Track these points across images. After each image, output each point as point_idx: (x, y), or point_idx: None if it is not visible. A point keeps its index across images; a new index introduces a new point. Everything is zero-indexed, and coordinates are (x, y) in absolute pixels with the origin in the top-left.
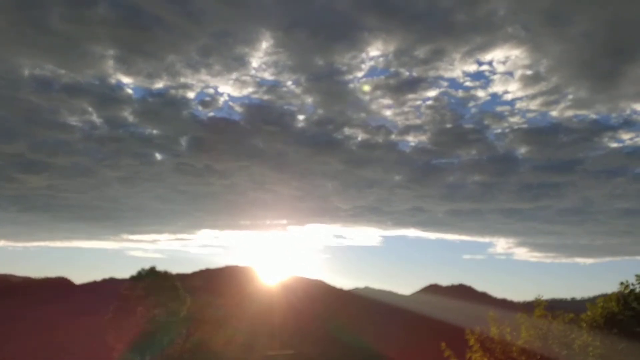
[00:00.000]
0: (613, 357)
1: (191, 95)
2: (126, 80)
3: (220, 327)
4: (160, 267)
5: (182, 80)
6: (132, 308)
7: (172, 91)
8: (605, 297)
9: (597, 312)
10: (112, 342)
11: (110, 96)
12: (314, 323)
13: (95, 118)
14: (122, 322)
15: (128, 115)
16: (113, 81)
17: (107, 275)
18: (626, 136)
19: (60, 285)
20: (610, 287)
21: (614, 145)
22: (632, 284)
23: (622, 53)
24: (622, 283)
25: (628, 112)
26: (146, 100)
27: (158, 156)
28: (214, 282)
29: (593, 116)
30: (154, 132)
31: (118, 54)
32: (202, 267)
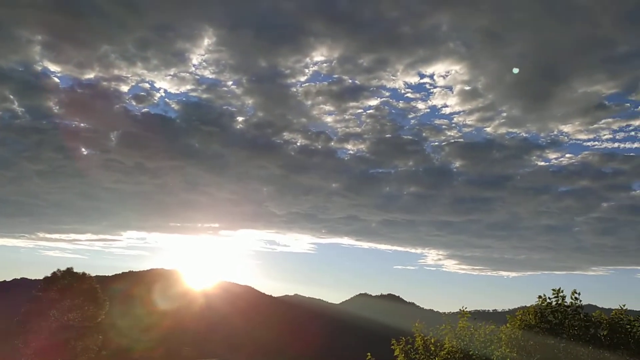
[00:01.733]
0: None
1: (125, 88)
2: (54, 68)
3: (141, 333)
4: (78, 268)
5: (116, 72)
6: (45, 311)
7: (104, 83)
8: (524, 310)
9: (516, 324)
10: (21, 347)
11: (34, 84)
12: (241, 329)
13: (16, 106)
14: (32, 326)
15: (53, 105)
16: (39, 68)
17: (18, 275)
18: (552, 155)
19: None
20: (530, 299)
21: (542, 163)
22: (549, 298)
23: (553, 75)
24: (540, 297)
25: (555, 132)
26: (74, 90)
27: (84, 151)
28: (137, 285)
29: (524, 134)
30: (82, 125)
31: (47, 40)
32: (125, 269)
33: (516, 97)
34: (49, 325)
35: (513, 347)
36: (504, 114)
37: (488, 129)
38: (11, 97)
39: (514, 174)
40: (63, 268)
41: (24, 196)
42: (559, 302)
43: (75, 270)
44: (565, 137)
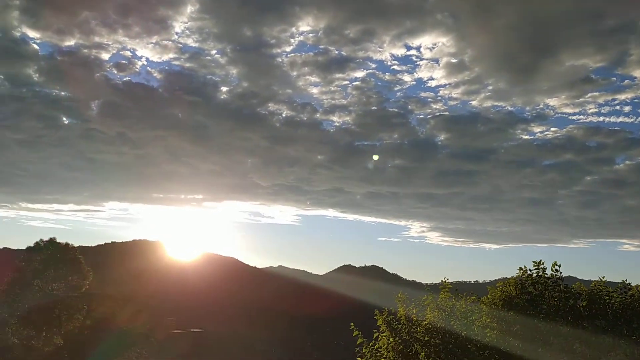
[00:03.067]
0: (508, 337)
1: (106, 56)
2: (32, 34)
3: (123, 303)
4: (61, 239)
5: (97, 39)
6: (29, 281)
7: (85, 50)
8: (504, 282)
9: (497, 295)
10: (5, 317)
11: (13, 50)
12: (224, 301)
13: None
14: (16, 296)
15: (33, 73)
16: (17, 34)
17: (0, 245)
18: (537, 129)
19: None
20: (511, 271)
21: (526, 137)
22: (530, 270)
23: (540, 49)
24: (520, 268)
25: (541, 106)
26: (54, 58)
27: (65, 120)
28: (119, 257)
29: (509, 108)
30: (62, 93)
31: (24, 4)
32: (108, 240)
33: (503, 70)
34: (33, 295)
35: (493, 318)
36: (490, 87)
37: (474, 102)
38: None
39: (498, 147)
40: (46, 238)
41: (3, 165)
42: (540, 273)
43: (58, 241)
44: (551, 111)
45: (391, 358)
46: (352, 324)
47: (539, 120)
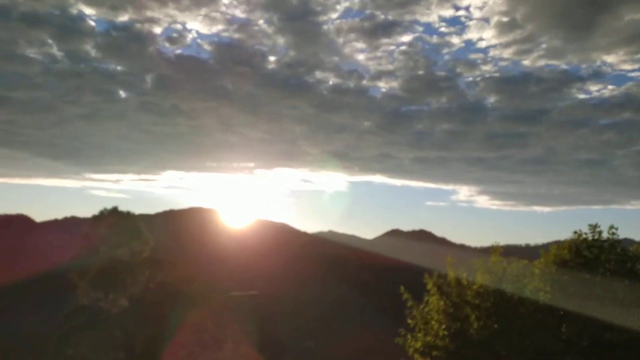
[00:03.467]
0: (562, 301)
1: (158, 30)
2: (88, 11)
3: (182, 268)
4: (123, 207)
5: (149, 14)
6: (96, 247)
7: (138, 25)
8: (558, 245)
9: (550, 259)
10: (75, 280)
11: (71, 28)
12: (277, 266)
13: (55, 51)
14: (84, 261)
15: (90, 49)
16: (74, 12)
17: (68, 214)
18: (594, 87)
19: (20, 222)
20: (564, 234)
21: (582, 96)
22: (585, 233)
23: (598, 3)
24: (575, 232)
25: (598, 63)
26: (110, 33)
27: (122, 94)
28: (177, 223)
29: (564, 66)
30: (118, 68)
31: None
32: (166, 208)
33: (557, 27)
34: (100, 260)
35: (546, 282)
36: (543, 46)
37: (525, 62)
38: (50, 41)
39: (552, 108)
40: (109, 207)
41: (67, 139)
42: (596, 237)
43: (120, 210)
44: (608, 68)
45: (441, 320)
46: (402, 287)
47: (596, 78)
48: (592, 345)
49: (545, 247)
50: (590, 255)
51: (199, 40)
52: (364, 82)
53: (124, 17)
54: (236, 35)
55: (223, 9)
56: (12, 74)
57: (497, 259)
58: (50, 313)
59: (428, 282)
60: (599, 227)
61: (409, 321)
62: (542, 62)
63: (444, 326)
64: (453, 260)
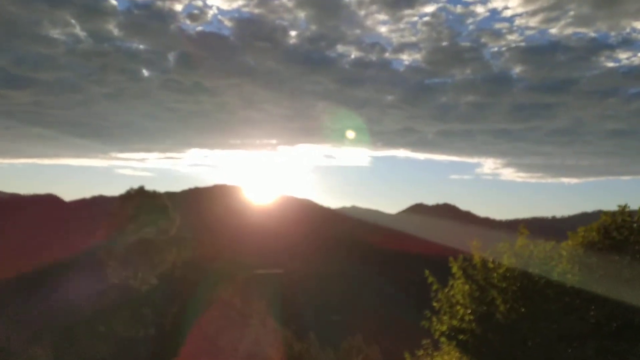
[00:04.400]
0: (590, 284)
1: (179, 7)
2: None
3: (208, 245)
4: (149, 186)
5: None
6: (124, 226)
7: (159, 3)
8: (586, 227)
9: (578, 241)
10: (104, 259)
11: (94, 7)
12: (301, 241)
13: (78, 31)
14: (113, 240)
15: (113, 28)
16: None
17: (96, 193)
18: (623, 55)
19: (50, 201)
20: (592, 205)
21: (611, 64)
22: (614, 215)
23: None
24: (604, 214)
25: (628, 30)
26: (131, 12)
27: (145, 72)
28: (203, 200)
29: (592, 34)
30: (140, 47)
31: None
32: (192, 185)
33: None
34: (128, 239)
35: (574, 264)
36: (571, 13)
37: (553, 31)
38: (72, 21)
39: (580, 77)
40: (136, 186)
41: (93, 118)
42: (625, 218)
43: (146, 189)
44: (639, 35)
45: (467, 304)
46: (427, 271)
47: (625, 45)
48: (621, 329)
49: (573, 219)
50: (619, 237)
51: (219, 17)
52: (387, 54)
53: None
54: (256, 10)
55: None
56: (37, 55)
57: (523, 241)
58: (81, 291)
59: (453, 265)
60: (629, 207)
61: (434, 304)
62: (569, 30)
63: (469, 310)
64: (479, 244)
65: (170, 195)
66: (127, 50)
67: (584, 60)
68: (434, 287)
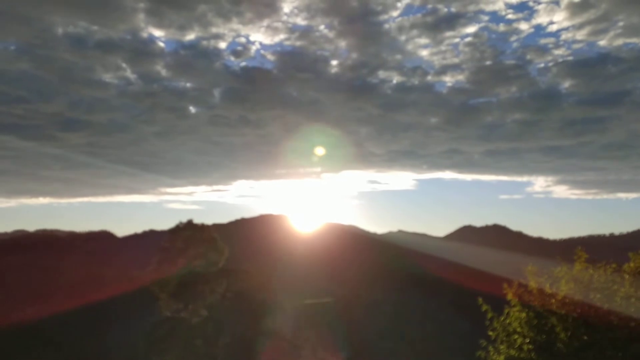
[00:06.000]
0: None
1: (223, 45)
2: (158, 33)
3: (257, 275)
4: (197, 218)
5: (214, 30)
6: (174, 259)
7: (204, 42)
8: None
9: None
10: (156, 293)
11: (142, 50)
12: (349, 268)
13: (129, 74)
14: (164, 273)
15: (161, 69)
16: (145, 35)
17: (147, 228)
18: None
19: (103, 238)
20: None
21: None
22: None
23: None
24: None
25: None
26: (178, 52)
27: (192, 109)
28: (249, 231)
29: None
30: (187, 85)
31: (149, 6)
32: (238, 216)
33: (634, 2)
34: (178, 273)
35: (638, 288)
36: (620, 24)
37: (602, 43)
38: (124, 65)
39: (633, 89)
40: (184, 219)
41: (144, 156)
42: None
43: (195, 222)
44: None
45: (525, 332)
46: (480, 299)
47: None
48: None
49: (632, 235)
50: None
51: (262, 51)
52: (429, 77)
53: (190, 36)
54: (298, 43)
55: (285, 18)
56: (91, 99)
57: (581, 265)
58: (136, 325)
59: (508, 292)
60: None
61: (490, 332)
62: (619, 41)
63: (528, 339)
64: (534, 269)
65: (217, 227)
66: (175, 89)
67: (636, 70)
68: (489, 315)
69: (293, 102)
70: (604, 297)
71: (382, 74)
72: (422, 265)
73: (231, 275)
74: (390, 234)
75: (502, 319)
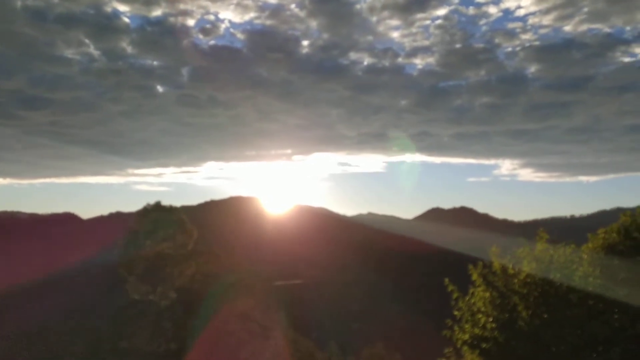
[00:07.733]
0: (613, 287)
1: (191, 22)
2: (122, 8)
3: (226, 257)
4: (166, 200)
5: (181, 6)
6: (141, 242)
7: (171, 19)
8: (607, 229)
9: (598, 243)
10: (125, 275)
11: (106, 26)
12: (318, 250)
13: (92, 50)
14: (131, 256)
15: (126, 45)
16: (109, 10)
17: (113, 209)
18: (639, 50)
19: (68, 220)
20: (611, 203)
21: (627, 59)
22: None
23: None
24: (624, 214)
25: None
26: (144, 29)
27: (160, 88)
28: (219, 213)
29: (607, 30)
30: (154, 63)
31: None
32: (208, 198)
33: None
34: (147, 255)
35: (596, 267)
36: (585, 9)
37: (567, 28)
38: (86, 40)
39: (596, 74)
40: (152, 201)
41: (110, 136)
42: None
43: (163, 204)
44: None
45: (488, 312)
46: (447, 279)
47: None
48: None
49: (592, 217)
50: None
51: (232, 30)
52: (400, 59)
53: (157, 12)
54: (268, 22)
55: None
56: (53, 75)
57: (543, 245)
58: (102, 307)
59: (473, 273)
60: None
61: (455, 312)
62: (584, 27)
63: (491, 318)
64: (498, 250)
65: (187, 209)
66: (141, 67)
67: (600, 56)
68: (455, 295)
69: (264, 82)
70: (563, 276)
71: (353, 55)
72: (391, 247)
73: (200, 257)
74: (360, 215)
75: (467, 298)
